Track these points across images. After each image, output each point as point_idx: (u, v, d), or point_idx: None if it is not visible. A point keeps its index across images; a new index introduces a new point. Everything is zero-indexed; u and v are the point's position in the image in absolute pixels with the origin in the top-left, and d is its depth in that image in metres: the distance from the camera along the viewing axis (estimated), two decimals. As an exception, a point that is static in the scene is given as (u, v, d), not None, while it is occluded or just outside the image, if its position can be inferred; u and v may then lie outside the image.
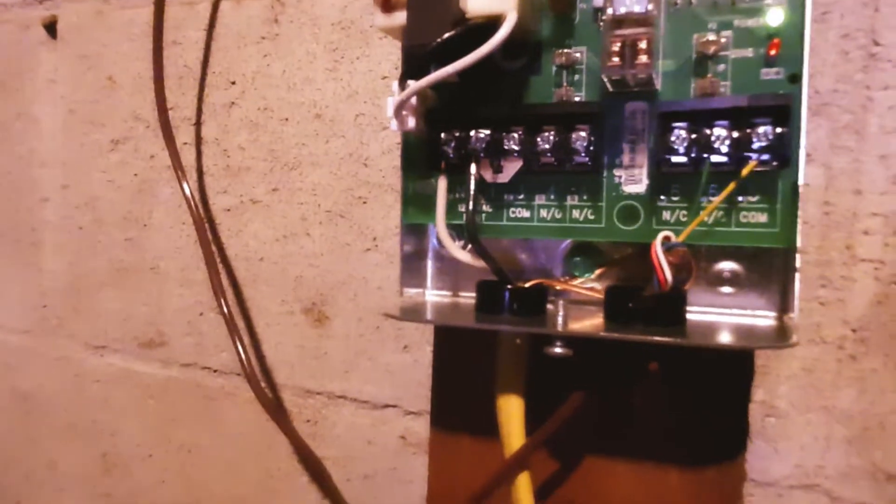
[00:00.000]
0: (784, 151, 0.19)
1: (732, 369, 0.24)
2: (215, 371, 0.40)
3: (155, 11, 0.35)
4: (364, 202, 0.35)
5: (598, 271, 0.23)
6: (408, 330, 0.34)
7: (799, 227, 0.20)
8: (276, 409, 0.32)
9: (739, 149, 0.19)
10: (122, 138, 0.42)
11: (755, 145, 0.19)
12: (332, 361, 0.37)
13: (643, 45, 0.18)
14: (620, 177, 0.21)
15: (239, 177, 0.39)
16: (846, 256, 0.26)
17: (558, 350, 0.20)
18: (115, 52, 0.43)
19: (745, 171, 0.19)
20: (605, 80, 0.20)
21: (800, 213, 0.26)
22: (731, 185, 0.19)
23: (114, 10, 0.43)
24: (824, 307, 0.26)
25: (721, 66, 0.20)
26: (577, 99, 0.22)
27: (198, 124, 0.40)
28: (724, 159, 0.19)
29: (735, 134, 0.19)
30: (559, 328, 0.20)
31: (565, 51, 0.22)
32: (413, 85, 0.20)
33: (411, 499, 0.34)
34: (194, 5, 0.40)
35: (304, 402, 0.38)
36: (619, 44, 0.18)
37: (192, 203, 0.36)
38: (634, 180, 0.21)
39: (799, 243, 0.26)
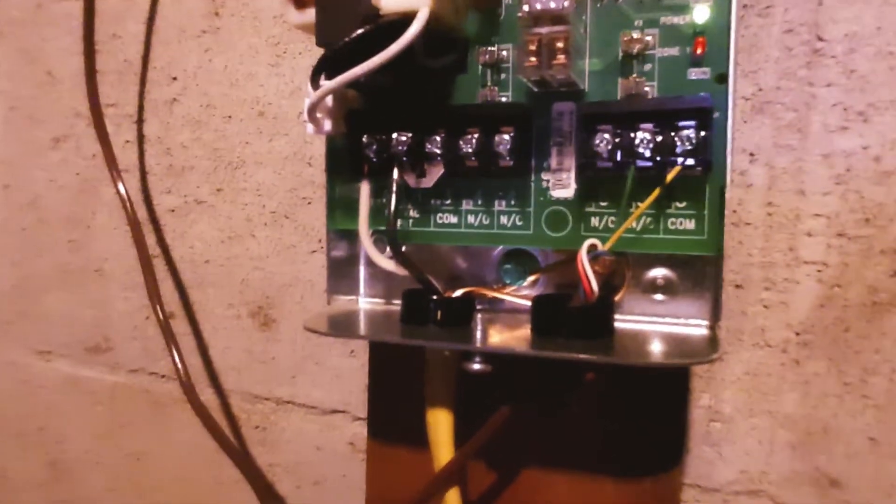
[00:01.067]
0: (706, 156, 0.18)
1: (668, 376, 0.23)
2: (163, 376, 0.39)
3: (85, 3, 0.34)
4: (309, 203, 0.34)
5: (531, 278, 0.22)
6: (355, 334, 0.33)
7: (725, 230, 0.19)
8: (209, 417, 0.31)
9: (663, 153, 0.18)
10: (62, 136, 0.41)
11: (679, 149, 0.18)
12: (279, 366, 0.36)
13: (560, 44, 0.17)
14: (548, 181, 0.21)
15: (183, 176, 0.37)
16: (789, 258, 0.25)
17: (477, 366, 0.19)
18: (55, 46, 0.41)
19: (669, 177, 0.18)
20: (525, 80, 0.19)
21: (743, 214, 0.26)
22: (656, 192, 0.18)
23: (53, 2, 0.41)
24: (768, 310, 0.26)
25: (647, 66, 0.19)
26: (503, 99, 0.21)
27: (139, 122, 0.38)
28: (649, 164, 0.18)
29: (658, 138, 0.18)
30: (478, 343, 0.19)
31: (490, 49, 0.21)
32: (324, 86, 0.19)
33: (361, 506, 0.34)
34: (134, -3, 0.38)
35: (252, 407, 0.37)
36: (535, 43, 0.17)
37: (128, 204, 0.35)
38: (562, 185, 0.20)
39: (733, 247, 0.25)
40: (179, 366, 0.30)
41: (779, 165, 0.25)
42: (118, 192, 0.36)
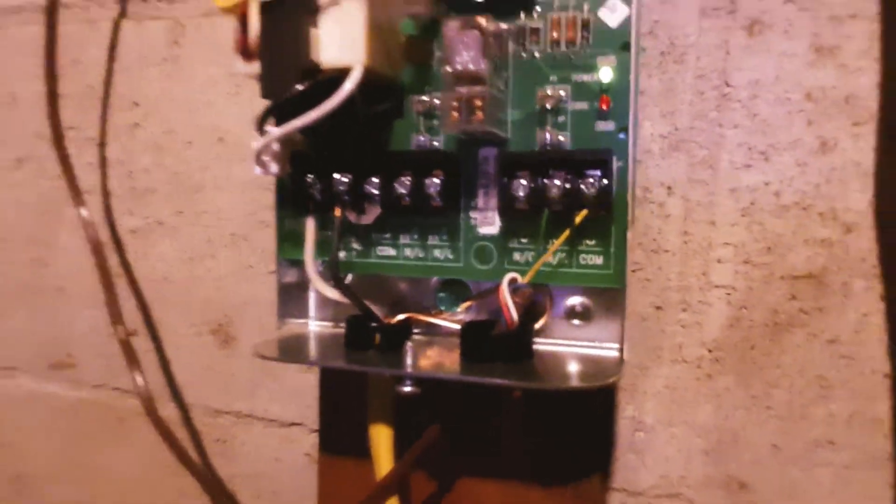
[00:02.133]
0: (607, 201, 0.20)
1: (591, 392, 0.26)
2: (126, 392, 0.40)
3: (47, 27, 0.35)
4: (266, 226, 0.36)
5: (464, 305, 0.24)
6: (311, 350, 0.35)
7: (646, 256, 0.21)
8: (169, 430, 0.32)
9: (572, 198, 0.20)
10: (25, 157, 0.42)
11: (585, 194, 0.20)
12: (239, 381, 0.37)
13: (479, 102, 0.19)
14: (476, 219, 0.23)
15: (144, 198, 0.38)
16: (703, 282, 0.28)
17: (407, 389, 0.21)
18: (17, 68, 0.42)
19: (577, 220, 0.20)
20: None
21: (662, 242, 0.28)
22: (566, 233, 0.21)
23: (16, 24, 0.42)
24: (685, 329, 0.28)
25: (561, 118, 0.21)
26: (435, 144, 0.23)
27: (101, 145, 0.39)
28: (560, 207, 0.21)
29: (568, 185, 0.20)
30: (409, 368, 0.21)
31: (423, 98, 0.23)
32: (269, 133, 0.21)
33: (318, 514, 0.35)
34: (96, 23, 0.39)
35: (213, 421, 0.38)
36: (457, 100, 0.19)
37: (89, 225, 0.36)
38: (488, 222, 0.22)
39: (654, 272, 0.28)
40: (141, 381, 0.31)
41: (693, 198, 0.27)
42: (79, 213, 0.37)
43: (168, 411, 0.38)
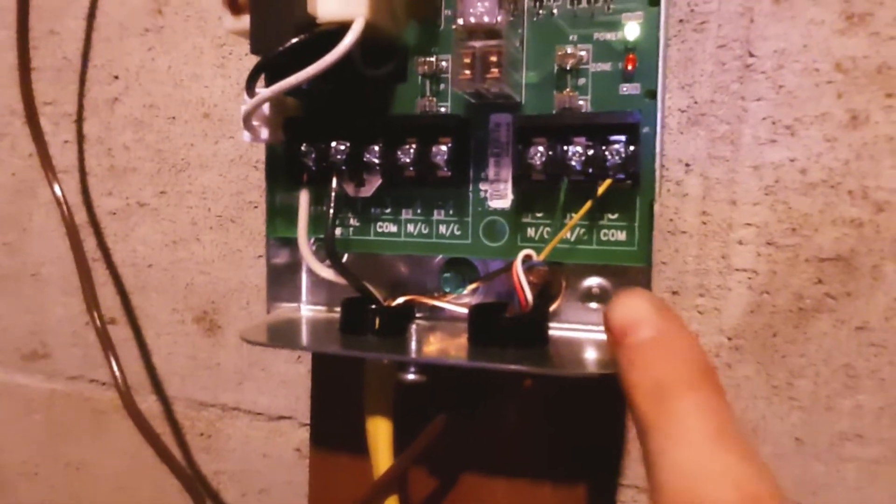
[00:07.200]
0: (635, 169, 0.18)
1: (606, 380, 0.24)
2: (104, 384, 0.38)
3: (19, -3, 0.33)
4: (255, 207, 0.34)
5: (470, 287, 0.22)
6: (302, 339, 0.33)
7: (663, 238, 0.20)
8: (147, 424, 0.30)
9: (595, 166, 0.18)
10: (-4, 134, 0.39)
11: (609, 163, 0.18)
12: (224, 372, 0.35)
13: (494, 58, 0.17)
14: (486, 191, 0.21)
15: (125, 178, 0.36)
16: (722, 266, 0.26)
17: (411, 377, 0.19)
18: (-11, 40, 0.39)
19: (600, 190, 0.18)
20: (460, 92, 0.19)
21: (679, 223, 0.27)
22: (588, 204, 0.19)
23: (-14, -6, 0.39)
24: (702, 315, 0.26)
25: (581, 80, 0.19)
26: (441, 110, 0.21)
27: (79, 121, 0.37)
28: (581, 177, 0.19)
29: (590, 151, 0.18)
30: (414, 353, 0.19)
31: (429, 59, 0.21)
32: (259, 94, 0.19)
33: (308, 512, 0.33)
34: (73, -8, 0.37)
35: (196, 414, 0.36)
36: (469, 56, 0.18)
37: (65, 206, 0.34)
38: (500, 195, 0.21)
39: (670, 255, 0.26)
40: (117, 372, 0.29)
41: (712, 176, 0.26)
42: (54, 193, 0.35)
43: (148, 404, 0.36)
